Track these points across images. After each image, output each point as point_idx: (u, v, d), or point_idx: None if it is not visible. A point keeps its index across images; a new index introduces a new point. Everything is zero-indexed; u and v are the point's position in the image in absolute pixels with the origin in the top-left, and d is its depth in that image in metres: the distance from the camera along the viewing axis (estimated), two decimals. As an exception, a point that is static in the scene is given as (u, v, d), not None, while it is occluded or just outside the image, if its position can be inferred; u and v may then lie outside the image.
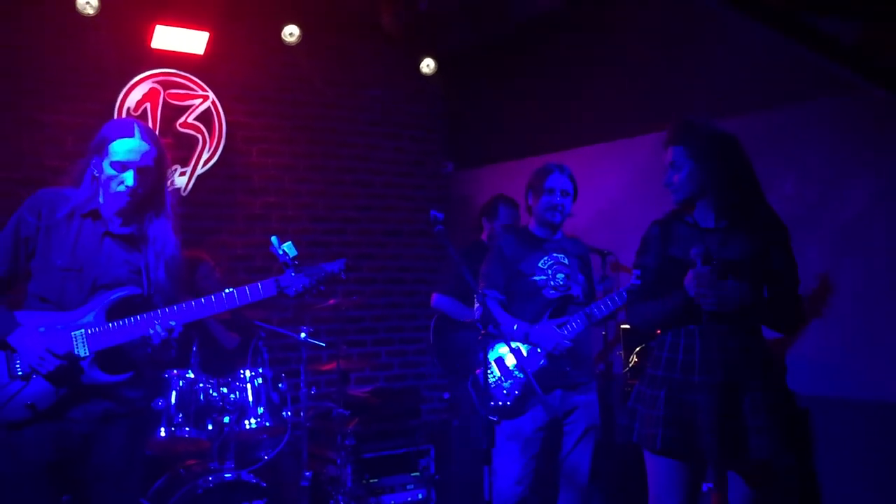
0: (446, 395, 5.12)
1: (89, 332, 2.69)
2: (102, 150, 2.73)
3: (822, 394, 3.72)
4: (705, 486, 2.91)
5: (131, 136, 2.74)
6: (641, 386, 2.82)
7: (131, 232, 2.81)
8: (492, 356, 3.71)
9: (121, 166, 2.72)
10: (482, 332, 3.10)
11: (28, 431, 2.64)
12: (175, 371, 3.94)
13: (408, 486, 5.15)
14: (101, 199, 2.78)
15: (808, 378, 3.74)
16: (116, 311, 2.73)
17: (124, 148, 2.72)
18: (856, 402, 3.70)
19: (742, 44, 4.20)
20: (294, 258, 2.82)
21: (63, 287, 2.72)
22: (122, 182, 2.73)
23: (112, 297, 2.74)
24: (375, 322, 6.01)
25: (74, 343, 2.67)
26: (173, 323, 2.70)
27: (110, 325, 2.70)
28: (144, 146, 2.74)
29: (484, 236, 4.88)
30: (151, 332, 2.68)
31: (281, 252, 2.83)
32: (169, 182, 5.11)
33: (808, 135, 3.99)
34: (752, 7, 2.96)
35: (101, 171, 2.75)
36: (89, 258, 2.74)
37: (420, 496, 5.18)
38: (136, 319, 2.71)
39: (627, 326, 4.52)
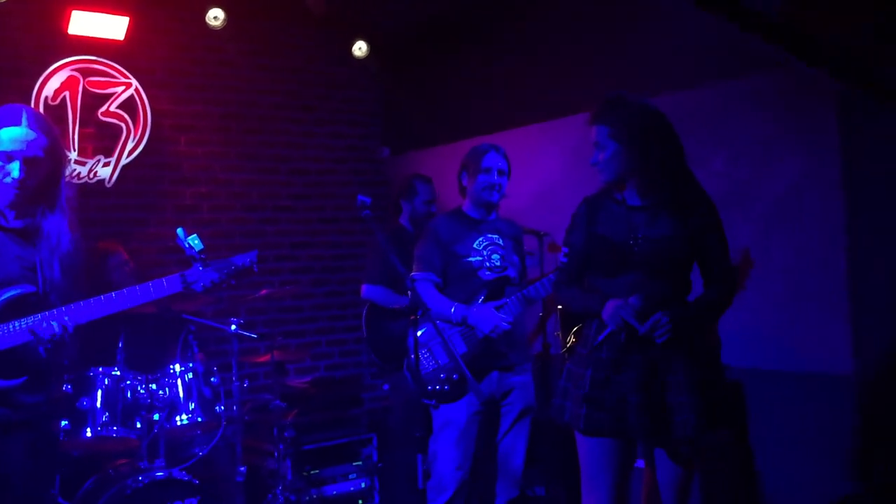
0: (386, 387, 5.05)
1: None
2: None
3: (754, 366, 3.76)
4: (639, 463, 2.88)
5: (18, 124, 2.58)
6: (571, 364, 2.79)
7: (24, 226, 2.65)
8: (428, 341, 3.66)
9: (6, 157, 2.57)
10: (412, 317, 3.05)
11: None
12: (100, 369, 3.80)
13: (350, 476, 5.09)
14: None
15: (741, 351, 3.77)
16: (9, 310, 2.56)
17: (9, 136, 2.56)
18: (787, 373, 3.76)
19: (672, 22, 4.20)
20: (201, 252, 2.70)
21: None
22: (8, 173, 2.57)
23: (4, 297, 2.58)
24: (314, 311, 5.91)
25: None
26: (66, 318, 2.55)
27: (1, 326, 2.54)
28: (32, 135, 2.59)
29: (404, 219, 4.80)
30: (53, 330, 2.53)
31: (187, 245, 2.71)
32: (90, 173, 4.99)
33: (738, 112, 4.01)
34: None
35: None
36: None
37: (363, 485, 5.12)
38: (28, 321, 2.55)
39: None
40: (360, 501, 5.10)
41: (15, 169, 2.57)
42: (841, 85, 3.47)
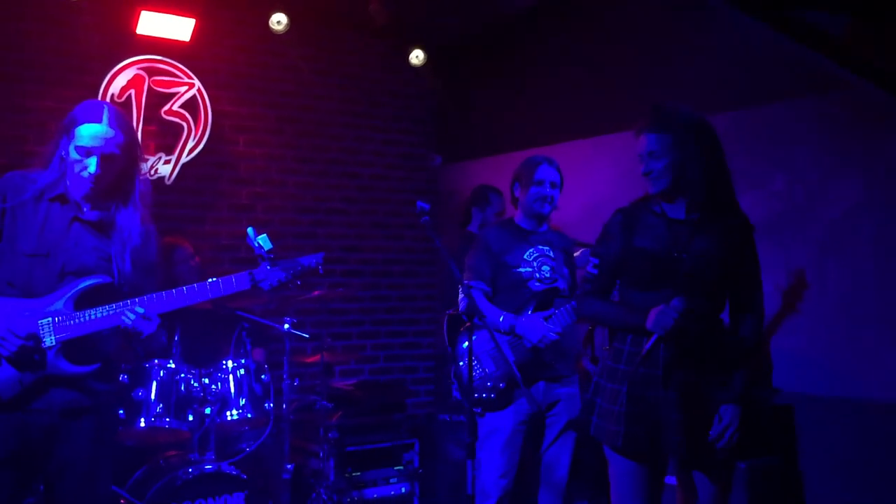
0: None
1: (56, 320, 2.60)
2: (70, 132, 2.66)
3: (807, 391, 3.71)
4: (670, 480, 2.84)
5: (98, 121, 2.66)
6: (601, 379, 2.74)
7: (100, 218, 2.73)
8: (477, 348, 3.69)
9: (85, 152, 2.64)
10: (466, 323, 3.07)
11: None
12: (156, 361, 3.89)
13: (391, 480, 5.13)
14: (68, 183, 2.70)
15: (794, 375, 3.73)
16: (85, 299, 2.64)
17: (89, 133, 2.64)
18: (840, 399, 3.70)
19: (732, 40, 4.18)
20: (269, 251, 2.73)
21: (30, 273, 2.63)
22: (85, 168, 2.65)
23: (81, 286, 2.65)
24: (361, 315, 5.97)
25: (41, 331, 2.58)
26: (140, 310, 2.62)
27: (78, 314, 2.61)
28: (110, 132, 2.66)
29: (474, 227, 4.84)
30: (127, 321, 2.60)
31: (256, 244, 2.74)
32: (151, 170, 5.11)
33: (797, 132, 3.97)
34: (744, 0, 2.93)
35: (67, 153, 2.67)
36: (57, 243, 2.66)
37: (403, 490, 5.16)
38: (105, 309, 2.62)
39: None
40: (400, 505, 5.15)
41: (92, 164, 2.64)
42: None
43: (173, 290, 2.69)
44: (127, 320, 2.60)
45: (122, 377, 3.88)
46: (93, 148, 2.64)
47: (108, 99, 5.02)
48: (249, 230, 2.78)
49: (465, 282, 3.33)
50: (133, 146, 2.76)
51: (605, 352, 4.48)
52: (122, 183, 2.75)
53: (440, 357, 6.15)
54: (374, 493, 5.04)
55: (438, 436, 5.11)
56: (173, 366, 3.91)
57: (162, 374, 3.87)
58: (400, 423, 5.37)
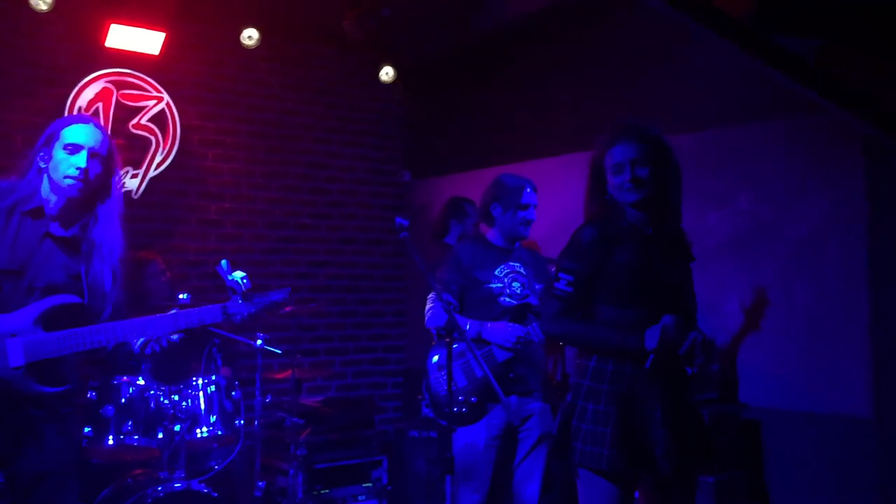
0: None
1: (25, 340, 2.54)
2: (55, 137, 2.65)
3: (773, 406, 3.78)
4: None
5: (87, 122, 2.69)
6: (578, 400, 2.65)
7: (73, 234, 2.70)
8: (447, 363, 3.70)
9: (74, 147, 2.63)
10: (445, 338, 3.08)
11: None
12: (125, 378, 3.83)
13: (360, 497, 5.10)
14: (44, 194, 2.67)
15: (760, 390, 3.80)
16: (53, 318, 2.60)
17: (79, 131, 2.65)
18: (807, 414, 3.78)
19: (701, 62, 4.28)
20: (248, 291, 2.74)
21: None
22: (73, 165, 2.62)
23: (48, 304, 2.60)
24: (329, 330, 5.95)
25: (8, 351, 2.52)
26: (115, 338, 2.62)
27: (49, 337, 2.57)
28: (99, 133, 2.69)
29: (451, 238, 4.84)
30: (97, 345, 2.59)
31: (230, 279, 2.74)
32: (120, 184, 5.05)
33: (765, 153, 4.08)
34: (716, 22, 3.00)
35: (49, 158, 2.64)
36: (27, 259, 2.61)
37: (373, 507, 5.14)
38: (75, 332, 2.58)
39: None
40: (369, 523, 5.11)
41: (82, 159, 2.62)
42: (869, 130, 3.53)
43: (146, 318, 2.66)
44: (98, 345, 2.59)
45: (91, 394, 3.82)
46: (82, 144, 2.63)
47: (75, 111, 4.96)
48: (223, 262, 2.77)
49: (444, 297, 3.32)
50: (113, 157, 2.75)
51: (576, 366, 4.54)
52: (102, 191, 2.72)
53: (408, 373, 6.14)
54: (343, 510, 5.01)
55: (408, 452, 5.10)
56: (142, 382, 3.85)
57: (131, 390, 3.81)
58: (369, 440, 5.34)
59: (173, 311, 2.71)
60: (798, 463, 3.74)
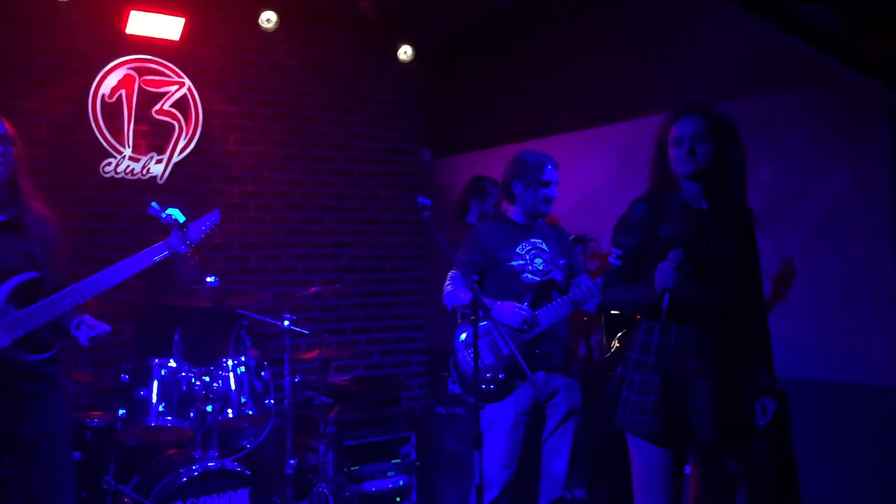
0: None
1: (3, 322, 2.82)
2: None
3: (800, 376, 3.79)
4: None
5: None
6: (627, 371, 2.78)
7: (10, 217, 2.94)
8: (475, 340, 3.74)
9: None
10: (472, 316, 3.11)
11: None
12: (157, 360, 3.91)
13: (389, 473, 5.17)
14: None
15: (786, 361, 3.79)
16: (20, 296, 2.87)
17: None
18: (832, 384, 3.79)
19: (722, 32, 4.25)
20: (184, 222, 3.09)
21: None
22: None
23: (13, 284, 2.86)
24: (353, 310, 6.00)
25: None
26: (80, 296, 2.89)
27: (21, 312, 2.84)
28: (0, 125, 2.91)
29: (472, 218, 4.86)
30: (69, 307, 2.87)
31: (165, 216, 3.07)
32: (143, 169, 5.10)
33: (788, 123, 4.05)
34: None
35: None
36: None
37: (401, 483, 5.21)
38: (46, 303, 2.86)
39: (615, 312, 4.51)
40: (398, 499, 5.19)
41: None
42: (892, 96, 3.51)
43: (106, 270, 2.93)
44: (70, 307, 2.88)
45: (124, 377, 3.90)
46: None
47: (98, 99, 5.01)
48: (153, 204, 3.11)
49: (469, 276, 3.35)
50: (19, 143, 2.98)
51: (599, 343, 4.58)
52: (18, 175, 2.96)
53: (432, 351, 6.19)
54: (372, 486, 5.08)
55: (435, 429, 5.15)
56: (174, 365, 3.93)
57: (163, 373, 3.89)
58: (396, 417, 5.41)
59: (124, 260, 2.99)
60: (825, 433, 3.75)
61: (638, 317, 2.88)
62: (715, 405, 2.62)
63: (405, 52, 6.00)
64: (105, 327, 2.96)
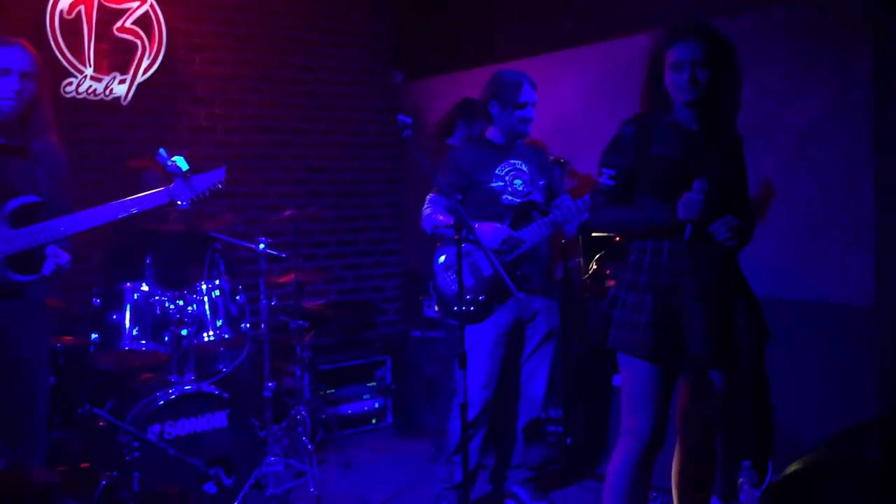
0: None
1: None
2: None
3: (775, 295, 3.82)
4: None
5: (13, 45, 2.93)
6: (620, 291, 2.79)
7: (19, 143, 2.97)
8: (454, 263, 3.71)
9: (5, 72, 2.88)
10: (455, 237, 3.07)
11: None
12: (128, 284, 3.83)
13: (364, 396, 5.21)
14: None
15: (762, 280, 3.81)
16: (18, 217, 2.91)
17: (7, 55, 2.89)
18: (808, 303, 3.83)
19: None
20: (187, 172, 3.04)
21: None
22: (6, 87, 2.88)
23: (13, 205, 2.90)
24: (327, 235, 5.93)
25: None
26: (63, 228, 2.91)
27: (15, 231, 2.88)
28: (27, 54, 2.94)
29: (456, 140, 4.74)
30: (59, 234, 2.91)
31: (170, 163, 3.03)
32: (105, 90, 4.92)
33: (769, 42, 3.99)
34: None
35: None
36: None
37: (377, 405, 5.26)
38: (40, 227, 2.90)
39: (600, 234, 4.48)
40: (374, 420, 5.24)
41: (14, 80, 2.89)
42: (878, 15, 3.46)
43: (101, 206, 2.95)
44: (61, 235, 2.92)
45: (95, 301, 3.83)
46: (12, 67, 2.89)
47: (56, 15, 4.78)
48: (161, 150, 3.05)
49: (452, 197, 3.29)
50: (45, 72, 3.02)
51: (575, 264, 4.58)
52: (36, 106, 3.00)
53: (407, 275, 6.17)
54: (348, 409, 5.12)
55: (410, 352, 5.18)
56: (147, 288, 3.85)
57: (136, 296, 3.81)
58: (372, 341, 5.43)
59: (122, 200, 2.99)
60: (797, 351, 3.81)
61: (618, 239, 2.89)
62: (707, 323, 2.64)
63: (377, -30, 5.80)
64: (67, 257, 2.95)
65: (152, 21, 5.11)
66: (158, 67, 5.15)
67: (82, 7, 4.87)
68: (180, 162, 3.05)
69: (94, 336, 3.76)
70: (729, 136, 2.80)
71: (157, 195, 3.04)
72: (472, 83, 5.32)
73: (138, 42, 5.08)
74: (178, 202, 3.05)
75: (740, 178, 2.83)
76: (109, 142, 5.01)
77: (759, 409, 3.89)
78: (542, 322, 3.77)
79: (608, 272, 4.41)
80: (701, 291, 2.66)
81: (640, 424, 2.73)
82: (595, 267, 4.45)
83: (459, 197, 3.62)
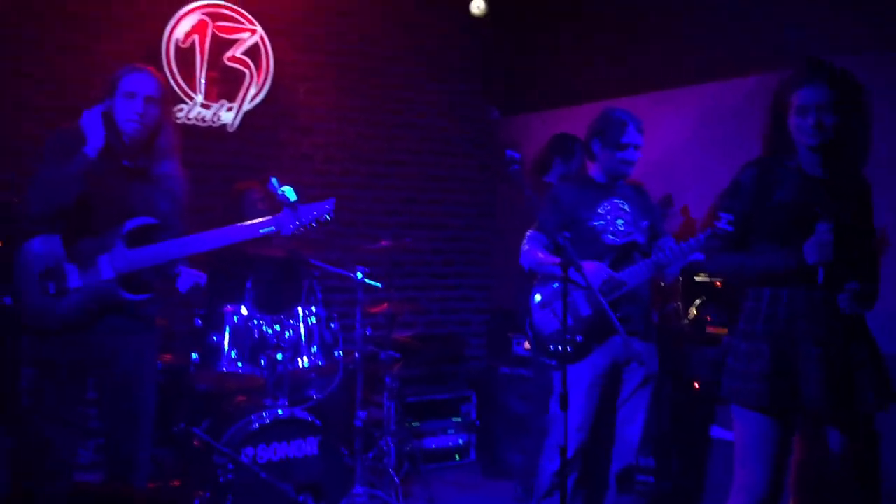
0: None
1: (113, 256, 2.95)
2: (113, 87, 2.99)
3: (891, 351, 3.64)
4: None
5: (142, 71, 3.04)
6: (734, 339, 2.72)
7: (141, 166, 3.07)
8: (552, 300, 3.66)
9: (131, 95, 2.98)
10: (561, 275, 3.03)
11: (57, 339, 2.95)
12: (229, 307, 3.90)
13: (449, 431, 5.17)
14: (110, 136, 2.98)
15: (879, 335, 3.66)
16: (134, 237, 2.99)
17: (135, 79, 3.00)
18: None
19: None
20: (294, 202, 3.10)
21: (86, 216, 2.95)
22: (131, 110, 2.97)
23: (130, 225, 2.99)
24: (417, 267, 5.95)
25: (100, 267, 2.93)
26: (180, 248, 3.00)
27: (131, 251, 2.97)
28: (153, 79, 3.04)
29: (553, 177, 4.71)
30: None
31: (280, 193, 3.10)
32: (213, 117, 5.08)
33: (884, 85, 3.84)
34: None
35: (111, 105, 2.99)
36: (107, 190, 2.98)
37: (461, 441, 5.20)
38: (154, 247, 2.99)
39: (704, 277, 4.37)
40: (457, 456, 5.19)
41: (139, 104, 2.98)
42: None
43: (214, 231, 3.04)
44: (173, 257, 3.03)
45: (196, 321, 3.91)
46: (138, 91, 2.99)
47: (172, 43, 4.99)
48: (273, 180, 3.13)
49: (560, 234, 3.25)
50: (169, 97, 3.14)
51: (673, 307, 4.46)
52: (159, 131, 3.08)
53: (495, 311, 6.13)
54: (432, 443, 5.09)
55: (497, 389, 5.11)
56: (246, 312, 3.91)
57: (235, 319, 3.88)
58: (458, 376, 5.39)
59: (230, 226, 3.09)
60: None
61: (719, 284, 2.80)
62: (826, 370, 2.54)
63: (478, 7, 5.86)
64: (202, 277, 3.08)
65: (261, 51, 5.28)
66: (265, 96, 5.30)
67: (196, 36, 5.07)
68: (289, 192, 3.11)
69: (194, 356, 3.83)
70: (856, 183, 2.70)
71: (265, 224, 3.11)
72: (568, 120, 5.31)
73: (247, 71, 5.24)
74: (284, 232, 3.12)
75: (867, 229, 2.71)
76: (215, 167, 5.16)
77: (867, 467, 3.68)
78: (639, 365, 3.66)
79: (709, 318, 4.28)
80: (819, 336, 2.57)
81: (754, 480, 2.62)
82: (695, 312, 4.33)
83: (568, 235, 3.56)
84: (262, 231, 3.10)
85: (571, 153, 4.69)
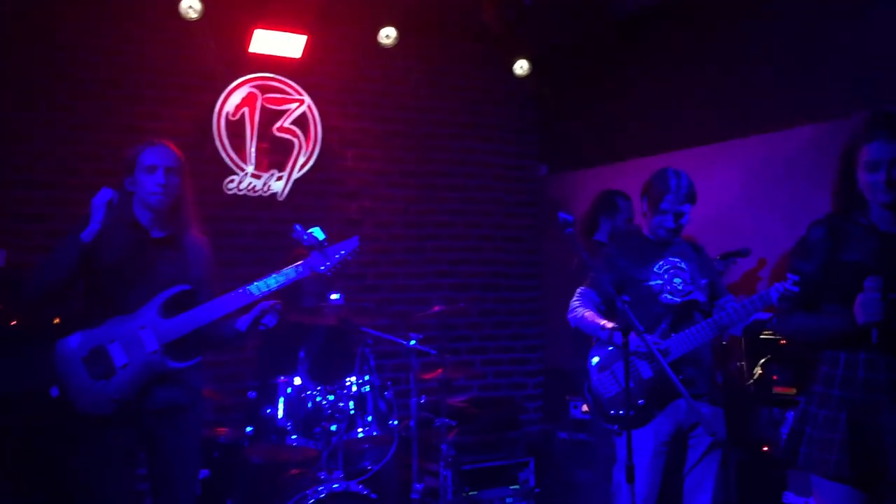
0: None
1: (154, 328, 2.98)
2: (133, 165, 3.06)
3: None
4: None
5: (158, 144, 3.11)
6: (811, 406, 2.60)
7: (169, 234, 3.14)
8: (611, 363, 3.56)
9: (152, 168, 3.05)
10: (623, 339, 2.94)
11: (111, 423, 2.94)
12: (282, 378, 3.87)
13: (507, 500, 5.01)
14: (137, 209, 3.09)
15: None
16: (170, 306, 3.02)
17: (153, 153, 3.07)
18: None
19: (847, 42, 3.95)
20: (323, 241, 3.10)
21: (122, 292, 3.00)
22: (154, 182, 3.04)
23: (166, 296, 3.03)
24: (469, 330, 5.88)
25: (143, 341, 2.96)
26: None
27: (170, 320, 2.99)
28: (171, 152, 3.12)
29: (602, 236, 4.65)
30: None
31: (307, 236, 3.09)
32: (263, 186, 5.15)
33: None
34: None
35: (134, 181, 3.06)
36: (138, 261, 3.04)
37: (520, 509, 5.04)
38: (192, 313, 3.01)
39: (769, 335, 4.23)
40: (518, 525, 5.02)
41: (160, 176, 3.06)
42: None
43: (246, 287, 3.05)
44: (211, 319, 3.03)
45: (251, 394, 3.88)
46: (158, 164, 3.06)
47: (223, 116, 5.09)
48: (296, 226, 3.11)
49: (621, 297, 3.15)
50: (185, 170, 3.17)
51: (736, 367, 4.31)
52: (181, 199, 3.16)
53: (548, 373, 6.01)
54: (491, 512, 4.94)
55: (556, 455, 4.97)
56: (300, 382, 3.87)
57: (289, 390, 3.84)
58: (515, 441, 5.25)
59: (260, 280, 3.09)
60: None
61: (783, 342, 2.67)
62: None
63: (521, 67, 5.90)
64: (274, 321, 3.14)
65: (309, 120, 5.34)
66: (313, 164, 5.35)
67: (246, 109, 5.15)
68: (317, 233, 3.12)
69: (248, 429, 3.79)
70: None
71: (296, 268, 3.11)
72: (617, 177, 5.25)
73: (295, 140, 5.31)
74: (318, 272, 3.11)
75: None
76: (266, 235, 5.19)
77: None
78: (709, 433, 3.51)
79: (775, 377, 4.11)
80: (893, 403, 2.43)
81: None
82: (760, 371, 4.17)
83: (627, 298, 3.48)
84: (296, 277, 3.11)
85: (616, 208, 4.63)
